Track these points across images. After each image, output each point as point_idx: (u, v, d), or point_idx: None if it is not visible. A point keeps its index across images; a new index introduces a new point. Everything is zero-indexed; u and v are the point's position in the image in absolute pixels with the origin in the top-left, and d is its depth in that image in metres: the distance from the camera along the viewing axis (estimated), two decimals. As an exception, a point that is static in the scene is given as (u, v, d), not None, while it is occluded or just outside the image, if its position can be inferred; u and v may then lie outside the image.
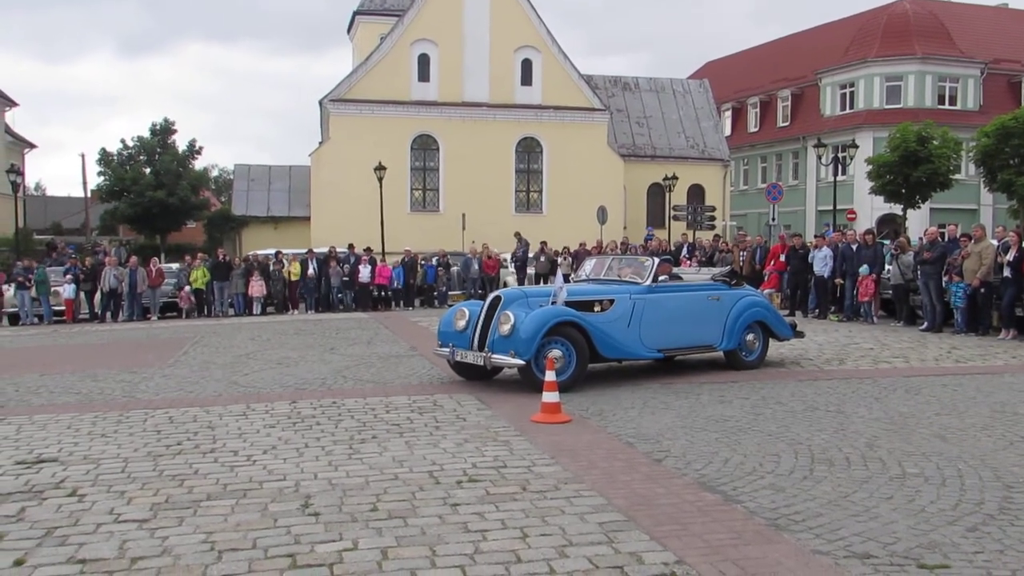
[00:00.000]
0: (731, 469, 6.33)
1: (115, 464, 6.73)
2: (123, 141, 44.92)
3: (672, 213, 35.62)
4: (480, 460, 6.65)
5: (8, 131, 47.39)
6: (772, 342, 11.86)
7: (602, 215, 33.37)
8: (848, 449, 6.89)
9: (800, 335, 12.31)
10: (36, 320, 22.87)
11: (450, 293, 26.45)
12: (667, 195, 37.40)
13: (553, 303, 10.03)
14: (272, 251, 26.64)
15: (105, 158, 44.16)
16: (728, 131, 50.30)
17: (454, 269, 27.07)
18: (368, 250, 26.49)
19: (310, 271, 24.59)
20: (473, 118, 38.67)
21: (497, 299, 10.27)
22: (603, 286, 11.04)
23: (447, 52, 38.46)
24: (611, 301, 10.49)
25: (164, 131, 45.48)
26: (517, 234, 29.19)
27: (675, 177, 36.85)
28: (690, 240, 27.51)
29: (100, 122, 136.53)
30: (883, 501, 5.52)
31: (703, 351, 11.26)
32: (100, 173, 44.48)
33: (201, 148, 46.19)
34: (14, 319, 23.08)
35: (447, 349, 10.39)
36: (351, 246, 26.11)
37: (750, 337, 11.37)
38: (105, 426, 8.24)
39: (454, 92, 38.63)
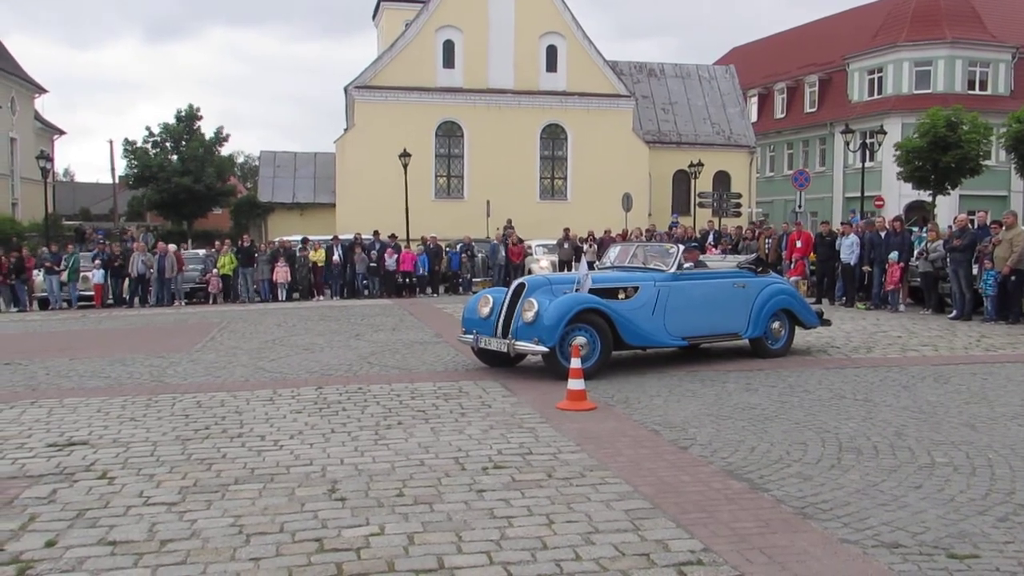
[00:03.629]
0: (758, 457, 6.30)
1: (144, 447, 6.80)
2: (148, 129, 45.28)
3: (698, 200, 35.45)
4: (505, 447, 6.66)
5: (38, 118, 47.90)
6: (798, 330, 11.79)
7: (627, 202, 33.25)
8: (876, 438, 6.84)
9: (827, 323, 12.23)
10: (65, 305, 23.14)
11: (474, 280, 26.49)
12: (692, 182, 37.22)
13: (577, 290, 10.00)
14: (298, 237, 26.78)
15: (130, 147, 44.51)
16: (754, 117, 49.86)
17: (479, 256, 27.11)
18: (393, 237, 26.55)
19: (335, 257, 24.69)
20: (498, 104, 38.60)
21: (521, 286, 10.26)
22: (628, 273, 11.01)
23: (472, 38, 38.38)
24: (636, 288, 10.47)
25: (190, 118, 45.79)
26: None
27: (701, 164, 36.65)
28: (716, 227, 27.34)
29: (127, 107, 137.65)
30: (912, 490, 5.48)
31: (729, 339, 11.21)
32: (125, 156, 44.81)
33: (227, 135, 46.50)
34: (44, 304, 23.36)
35: (471, 336, 10.39)
36: (376, 233, 26.18)
37: (776, 325, 11.32)
38: (134, 410, 8.32)
39: (479, 78, 38.57)
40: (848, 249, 18.56)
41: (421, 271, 25.16)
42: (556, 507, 5.20)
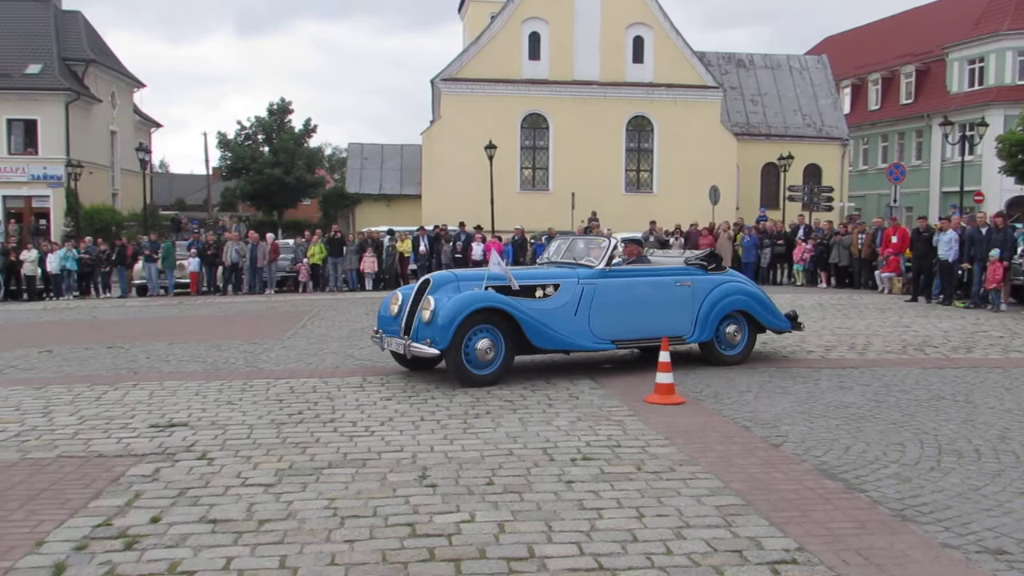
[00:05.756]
0: (853, 457, 6.15)
1: (241, 430, 6.99)
2: (240, 123, 46.47)
3: (787, 194, 34.72)
4: (594, 439, 6.65)
5: (136, 111, 49.49)
6: (897, 329, 11.32)
7: (714, 195, 32.77)
8: (978, 440, 6.61)
9: (799, 327, 11.10)
10: (162, 292, 23.93)
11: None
12: (782, 175, 36.45)
13: (486, 288, 9.14)
14: (385, 228, 27.15)
15: (224, 139, 45.77)
16: (847, 109, 48.58)
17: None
18: (478, 228, 26.71)
19: (421, 248, 24.96)
20: (583, 96, 38.43)
21: (426, 282, 9.51)
22: (549, 269, 10.15)
23: (558, 30, 38.28)
24: (556, 286, 9.53)
25: (281, 111, 46.85)
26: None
27: (790, 156, 35.84)
28: (806, 222, 26.78)
29: (220, 101, 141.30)
30: (1017, 496, 5.28)
31: (671, 343, 10.12)
32: (219, 148, 46.08)
33: (316, 127, 47.36)
34: (142, 291, 24.20)
35: (380, 336, 9.69)
36: (462, 224, 26.37)
37: (731, 329, 10.20)
38: (231, 394, 8.56)
39: (564, 70, 38.45)
40: (946, 245, 17.95)
41: (507, 261, 25.22)
42: (646, 500, 5.18)
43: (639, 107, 39.12)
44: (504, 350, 8.93)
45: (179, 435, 6.84)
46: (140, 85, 49.00)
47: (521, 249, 25.65)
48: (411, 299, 9.41)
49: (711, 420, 7.30)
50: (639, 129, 39.52)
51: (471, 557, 4.32)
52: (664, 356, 8.15)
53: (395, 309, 9.61)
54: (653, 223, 27.07)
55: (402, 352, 9.19)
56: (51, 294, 24.17)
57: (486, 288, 9.12)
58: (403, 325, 9.29)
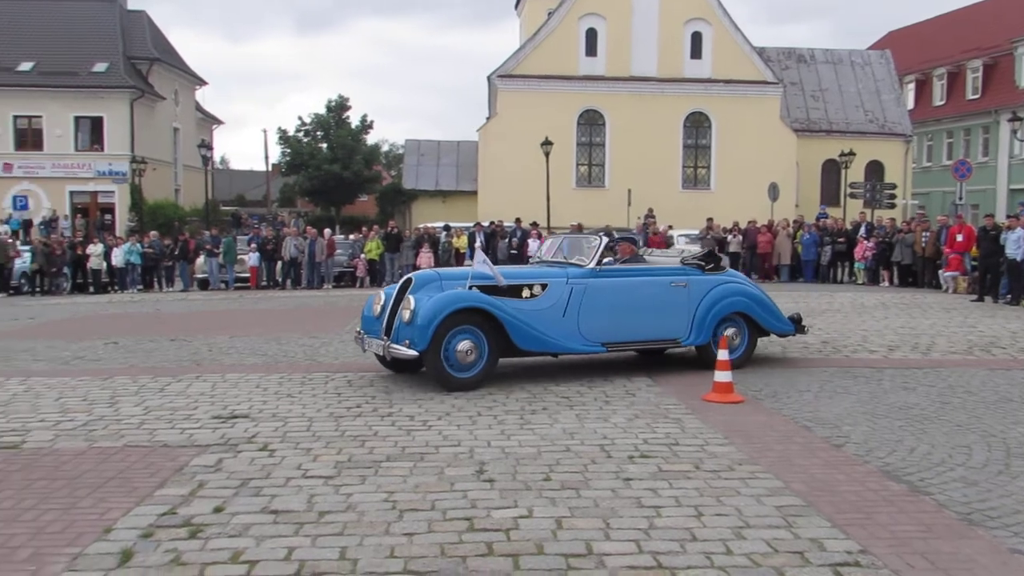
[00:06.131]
0: (917, 459, 6.03)
1: (301, 423, 7.09)
2: (300, 119, 47.11)
3: (848, 191, 34.11)
4: (651, 436, 6.61)
5: (198, 108, 50.42)
6: (963, 329, 11.04)
7: (773, 192, 32.34)
8: (1048, 444, 6.43)
9: (802, 330, 10.58)
10: (223, 286, 24.36)
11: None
12: (843, 172, 35.85)
13: (470, 287, 8.78)
14: (441, 224, 27.30)
15: (284, 136, 46.45)
16: (911, 104, 47.56)
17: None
18: (534, 224, 26.71)
19: (477, 244, 25.02)
20: (640, 92, 38.19)
21: (408, 281, 9.15)
22: (537, 269, 9.83)
23: (615, 26, 38.09)
24: (544, 286, 9.11)
25: (339, 107, 47.38)
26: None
27: (852, 153, 35.21)
28: (868, 219, 26.30)
29: (279, 98, 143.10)
30: (1090, 501, 5.13)
31: (664, 346, 9.88)
32: (279, 145, 46.75)
33: (372, 123, 47.82)
34: (203, 284, 24.67)
35: (363, 337, 9.32)
36: (518, 220, 26.39)
37: (729, 332, 9.62)
38: (291, 386, 8.68)
39: (622, 66, 38.26)
40: (1015, 244, 17.48)
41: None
42: (705, 499, 5.13)
43: (697, 103, 38.77)
44: (487, 352, 8.55)
45: (241, 427, 6.95)
46: (202, 83, 49.89)
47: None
48: (393, 299, 9.00)
49: (771, 419, 7.21)
50: (697, 125, 39.18)
51: (529, 552, 4.32)
52: (723, 355, 8.07)
53: (378, 309, 9.19)
54: (710, 220, 26.82)
55: (382, 354, 8.83)
56: (116, 287, 24.75)
57: (470, 287, 8.75)
58: (384, 326, 8.87)
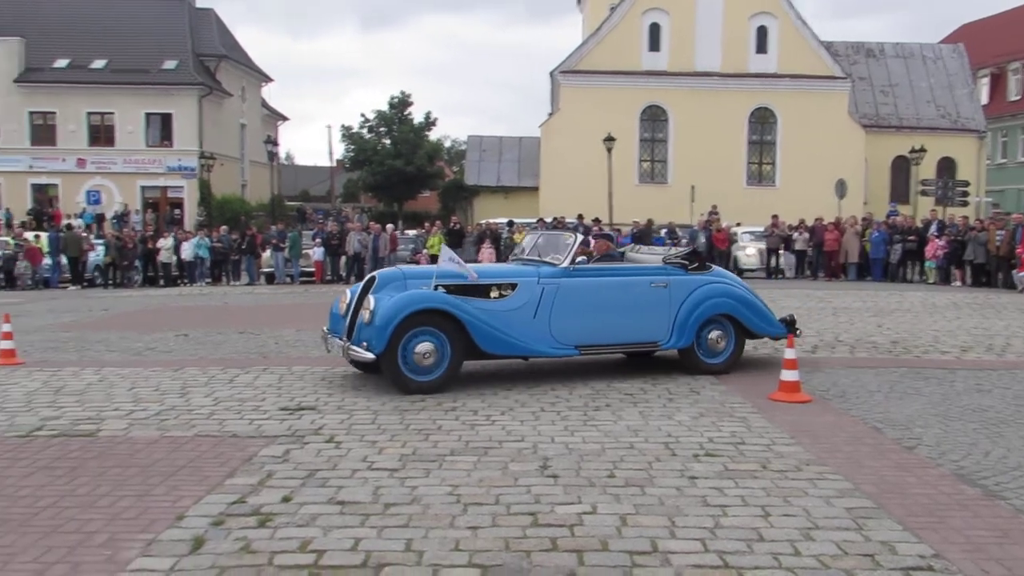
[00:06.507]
0: (992, 463, 5.86)
1: (366, 415, 7.16)
2: (363, 115, 47.61)
3: (919, 188, 33.36)
4: (716, 435, 6.54)
5: (264, 105, 51.26)
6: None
7: (840, 189, 31.76)
8: None
9: (795, 332, 9.61)
10: (288, 280, 24.75)
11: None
12: (913, 169, 35.06)
13: (436, 288, 8.39)
14: (503, 220, 27.36)
15: (347, 132, 47.01)
16: (985, 99, 46.32)
17: (683, 242, 26.77)
18: (596, 220, 26.62)
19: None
20: (704, 88, 37.83)
21: (371, 280, 8.79)
22: (507, 267, 9.51)
23: (678, 20, 37.77)
24: (513, 286, 8.68)
25: (402, 104, 47.75)
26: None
27: (923, 149, 34.40)
28: (940, 217, 25.67)
29: (343, 94, 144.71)
30: None
31: (643, 348, 9.33)
32: (343, 141, 47.33)
33: (435, 119, 48.13)
34: (270, 278, 25.09)
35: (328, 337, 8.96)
36: (580, 216, 26.34)
37: (713, 334, 9.17)
38: (355, 380, 8.77)
39: (685, 62, 37.93)
40: (1093, 243, 16.95)
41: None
42: (772, 499, 5.06)
43: (762, 98, 38.28)
44: (450, 355, 8.15)
45: (307, 418, 7.05)
46: (268, 80, 50.69)
47: (641, 242, 25.41)
48: (356, 298, 8.63)
49: (839, 420, 7.08)
50: (762, 121, 38.69)
51: (593, 549, 4.31)
52: (790, 353, 7.95)
53: (343, 308, 8.83)
54: (775, 217, 26.45)
55: (342, 355, 8.50)
56: (185, 281, 25.30)
57: (435, 287, 8.37)
58: (346, 326, 8.54)
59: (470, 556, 4.21)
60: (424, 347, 8.05)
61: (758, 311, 9.49)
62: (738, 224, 27.80)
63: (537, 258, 9.28)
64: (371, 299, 8.23)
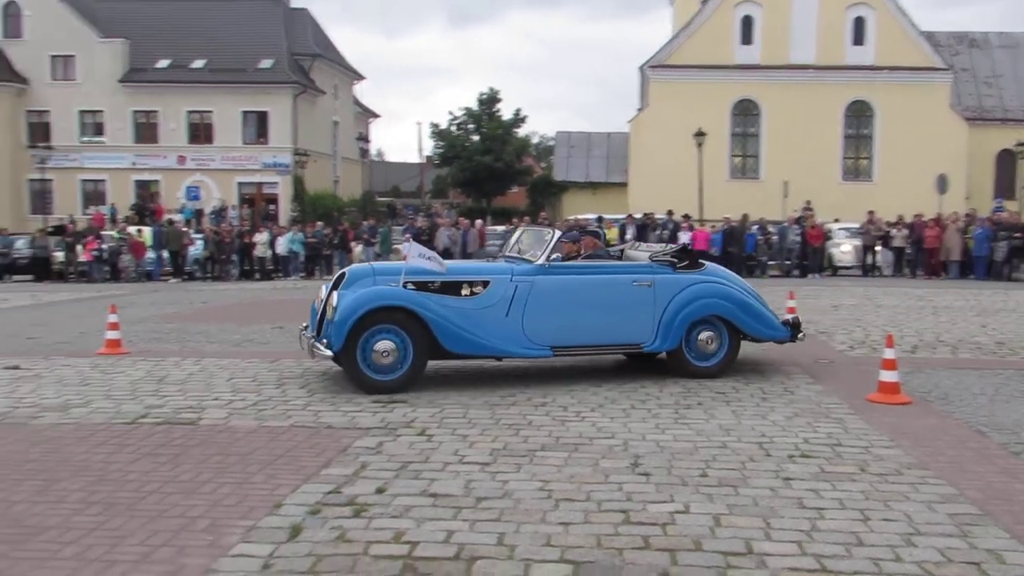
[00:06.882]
0: (1107, 470, 5.60)
1: (457, 409, 7.22)
2: (451, 112, 48.03)
3: (1025, 183, 32.11)
4: (812, 436, 6.39)
5: (356, 102, 52.14)
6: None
7: (942, 184, 30.73)
8: None
9: (797, 336, 9.17)
10: (379, 274, 25.14)
11: (770, 263, 25.71)
12: (1019, 163, 33.71)
13: (404, 285, 8.15)
14: (592, 216, 27.28)
15: (437, 129, 47.52)
16: (1097, 90, 44.21)
17: (774, 239, 26.32)
18: (686, 217, 26.32)
19: (628, 236, 24.88)
20: (798, 81, 37.05)
21: (341, 276, 8.58)
22: (480, 264, 9.12)
23: (772, 13, 37.08)
24: (485, 283, 8.38)
25: (490, 101, 47.97)
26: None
27: (1030, 143, 33.10)
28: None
29: (432, 91, 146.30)
30: None
31: (626, 351, 8.93)
32: (432, 137, 47.87)
33: (524, 116, 48.24)
34: (361, 273, 25.50)
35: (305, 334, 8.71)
36: (670, 212, 26.08)
37: (704, 336, 8.70)
38: (446, 374, 8.86)
39: (779, 55, 37.22)
40: None
41: (714, 251, 24.77)
42: (871, 503, 4.92)
43: (859, 91, 37.35)
44: (412, 354, 7.92)
45: (399, 411, 7.14)
46: (360, 77, 51.57)
47: (732, 239, 25.05)
48: (328, 295, 8.44)
49: (942, 423, 6.85)
50: (858, 114, 37.73)
51: (687, 548, 4.26)
52: (889, 353, 7.72)
53: (320, 305, 8.64)
54: (872, 213, 25.73)
55: (309, 353, 8.33)
56: (280, 274, 25.91)
57: (404, 284, 8.13)
58: (317, 322, 8.41)
59: (562, 552, 4.21)
60: (383, 345, 7.86)
61: (753, 312, 8.90)
62: (836, 220, 27.14)
63: (517, 255, 8.96)
64: (334, 296, 8.12)
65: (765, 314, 9.02)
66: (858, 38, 37.31)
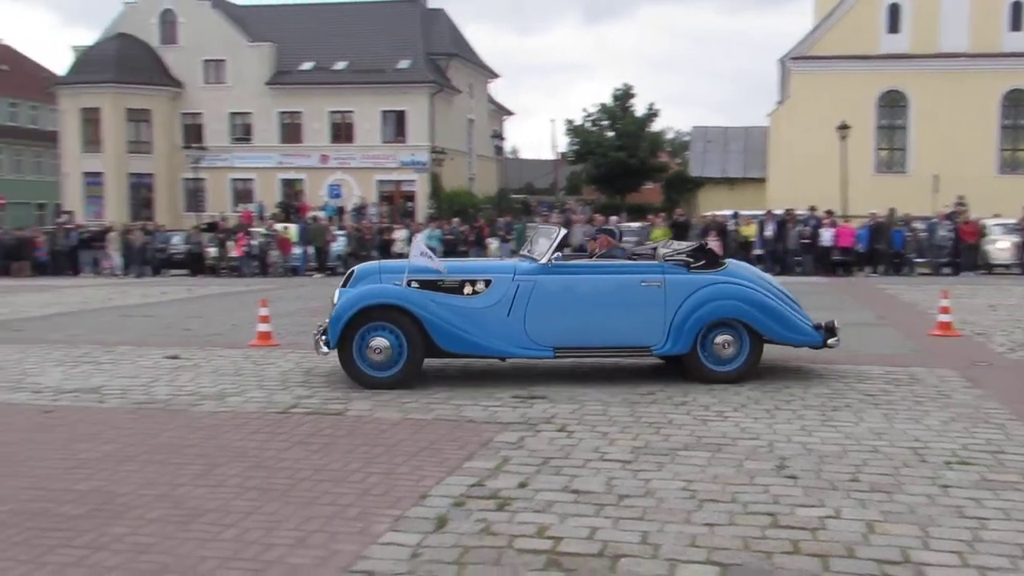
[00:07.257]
0: None
1: (596, 406, 7.22)
2: (585, 109, 47.96)
3: None
4: (971, 442, 6.08)
5: (491, 100, 52.74)
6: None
7: (1108, 176, 28.81)
8: None
9: (830, 341, 8.55)
10: (514, 271, 25.38)
11: (917, 260, 24.63)
12: None
13: (408, 284, 8.15)
14: (730, 212, 26.78)
15: (572, 126, 47.60)
16: None
17: (923, 235, 25.19)
18: (829, 212, 25.49)
19: (767, 232, 24.34)
20: (949, 70, 35.29)
21: (351, 274, 8.73)
22: (483, 263, 8.81)
23: (921, 0, 35.43)
24: (487, 282, 8.27)
25: (624, 96, 47.65)
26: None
27: None
28: None
29: (565, 87, 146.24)
30: None
31: (634, 353, 8.55)
32: (567, 134, 47.93)
33: (658, 111, 47.74)
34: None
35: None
36: (812, 208, 25.34)
37: (720, 339, 8.24)
38: (585, 370, 8.89)
39: (928, 43, 35.55)
40: None
41: (859, 248, 23.95)
42: (1038, 515, 4.66)
43: (1017, 79, 35.36)
44: (407, 352, 7.93)
45: (539, 407, 7.19)
46: (494, 76, 52.12)
47: (879, 235, 24.12)
48: (338, 292, 8.52)
49: (1115, 432, 6.41)
50: (1016, 104, 35.66)
51: (839, 555, 4.13)
52: None
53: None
54: (1031, 209, 24.31)
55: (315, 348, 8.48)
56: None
57: (408, 283, 8.15)
58: (327, 320, 8.42)
59: (708, 553, 4.15)
60: (377, 342, 7.92)
61: (776, 315, 8.36)
62: (996, 215, 25.74)
63: (527, 253, 8.84)
64: (336, 294, 8.30)
65: (788, 317, 8.48)
66: (1015, 23, 35.26)
